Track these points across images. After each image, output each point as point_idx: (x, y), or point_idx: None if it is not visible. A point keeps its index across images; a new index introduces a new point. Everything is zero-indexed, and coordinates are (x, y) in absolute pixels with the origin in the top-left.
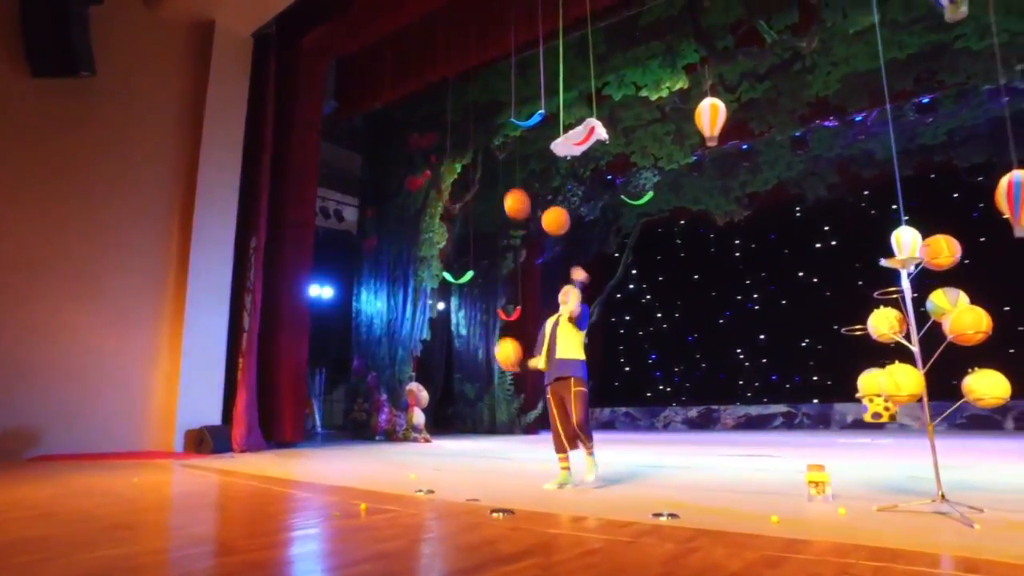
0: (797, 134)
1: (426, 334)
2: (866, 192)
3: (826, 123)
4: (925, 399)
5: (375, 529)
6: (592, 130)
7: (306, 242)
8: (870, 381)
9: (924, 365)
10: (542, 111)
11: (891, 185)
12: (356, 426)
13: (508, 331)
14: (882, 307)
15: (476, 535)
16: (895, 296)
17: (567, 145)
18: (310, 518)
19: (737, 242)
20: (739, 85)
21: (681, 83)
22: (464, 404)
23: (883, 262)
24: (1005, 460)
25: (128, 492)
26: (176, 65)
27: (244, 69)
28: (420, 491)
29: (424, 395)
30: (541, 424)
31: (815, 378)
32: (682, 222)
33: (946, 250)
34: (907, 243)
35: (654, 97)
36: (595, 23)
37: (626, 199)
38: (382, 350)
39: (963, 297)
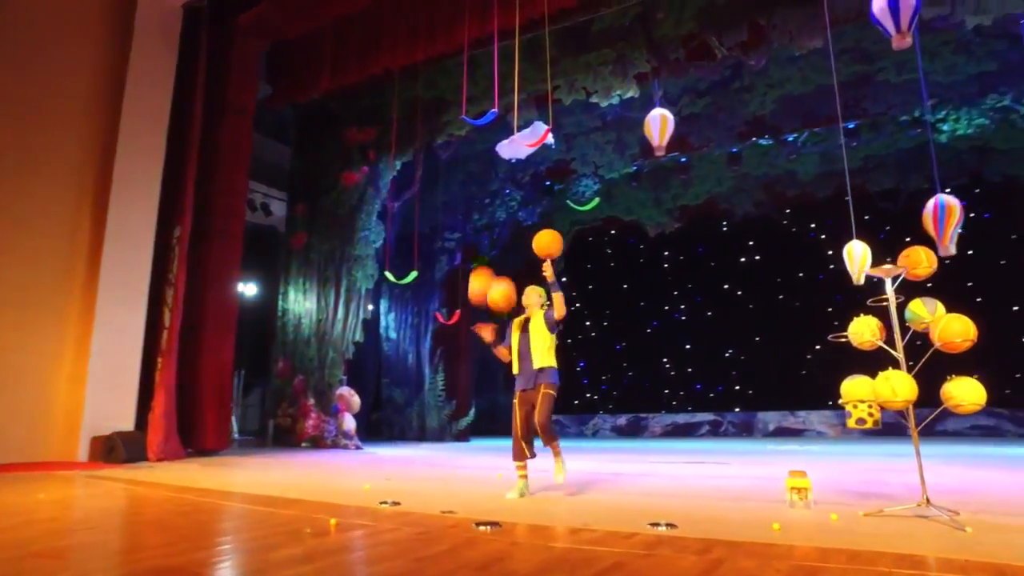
0: (734, 150)
1: (360, 336)
2: (788, 211)
3: (761, 141)
4: (911, 406)
5: (360, 549)
6: (547, 133)
7: (235, 233)
8: (855, 387)
9: (910, 371)
10: (495, 110)
11: (811, 205)
12: (280, 432)
13: (443, 333)
14: (863, 315)
15: (479, 552)
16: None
17: (513, 147)
18: (277, 536)
19: (666, 253)
20: (680, 99)
21: (632, 91)
22: (392, 410)
23: (869, 271)
24: (933, 464)
25: (42, 511)
26: (93, 32)
27: (172, 42)
28: (384, 503)
29: (356, 400)
30: (473, 431)
31: (737, 387)
32: (613, 232)
33: (924, 260)
34: (858, 255)
35: (604, 104)
36: (547, 26)
37: (572, 204)
38: (311, 352)
39: (940, 307)
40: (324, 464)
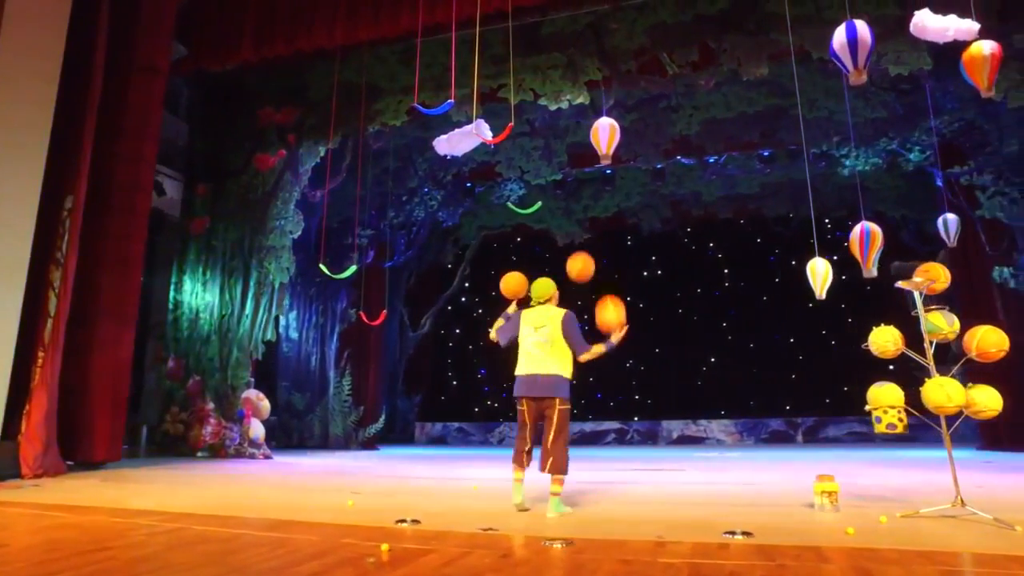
0: (659, 165)
1: (271, 334)
2: (688, 229)
3: (684, 160)
4: (943, 413)
5: None
6: (510, 128)
7: (140, 210)
8: (884, 393)
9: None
10: (451, 101)
11: (712, 225)
12: (167, 440)
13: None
14: (882, 325)
15: (593, 571)
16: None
17: (452, 143)
18: (342, 570)
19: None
20: (609, 112)
21: (583, 99)
22: (290, 415)
23: (899, 284)
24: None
25: None
26: None
27: None
28: (402, 521)
29: (265, 405)
30: (383, 439)
31: (636, 397)
32: (519, 239)
33: (943, 276)
34: (820, 272)
35: (553, 107)
36: (495, 23)
37: (514, 208)
38: (210, 351)
39: (956, 320)
40: (250, 477)
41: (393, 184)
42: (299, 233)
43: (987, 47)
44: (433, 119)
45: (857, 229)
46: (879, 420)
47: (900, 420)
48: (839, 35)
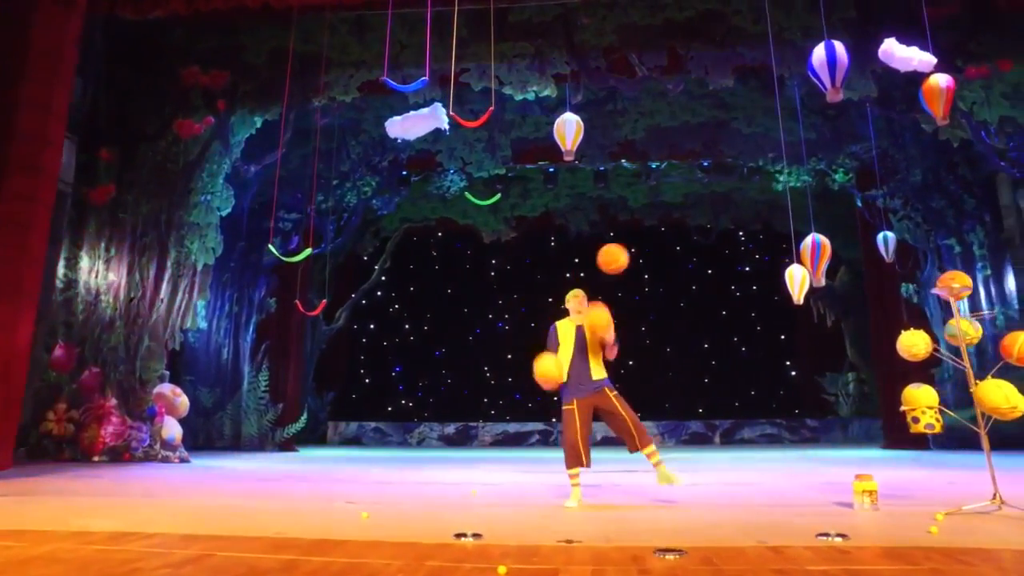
0: (601, 168)
1: (192, 323)
2: (612, 233)
3: (627, 164)
4: (979, 412)
5: None
6: (489, 113)
7: (49, 169)
8: (921, 395)
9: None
10: (425, 79)
11: (637, 231)
12: (49, 443)
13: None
14: (912, 329)
15: None
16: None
17: (406, 126)
18: None
19: (494, 262)
20: (555, 109)
21: (550, 91)
22: (195, 414)
23: (935, 291)
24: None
25: None
26: None
27: None
28: (462, 535)
29: (183, 401)
30: (303, 439)
31: (555, 398)
32: (440, 234)
33: (967, 282)
34: (798, 278)
35: (519, 97)
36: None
37: (472, 198)
38: (113, 338)
39: (980, 326)
40: (193, 484)
41: (323, 166)
42: (228, 210)
43: (943, 80)
44: (369, 101)
45: (808, 240)
46: (917, 420)
47: (937, 420)
48: (819, 53)
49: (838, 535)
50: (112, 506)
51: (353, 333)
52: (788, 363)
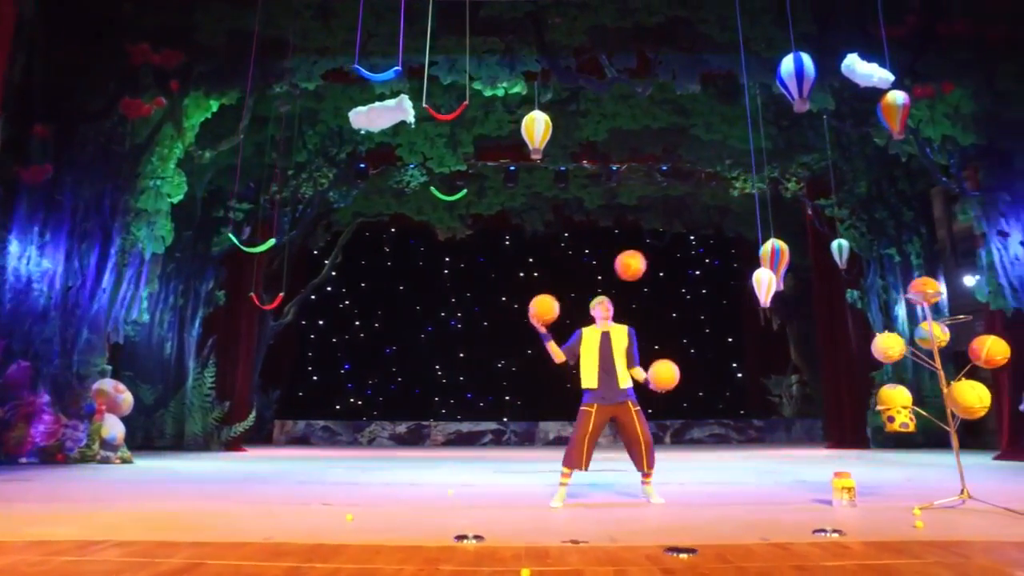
0: (562, 168)
1: (138, 314)
2: (566, 234)
3: (586, 165)
4: (948, 411)
5: None
6: (463, 107)
7: None
8: (896, 395)
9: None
10: (398, 68)
11: (591, 233)
12: None
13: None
14: (886, 332)
15: None
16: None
17: (371, 117)
18: None
19: (448, 259)
20: (518, 108)
21: (519, 88)
22: (135, 411)
23: (908, 296)
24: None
25: None
26: None
27: None
28: (463, 537)
29: (126, 398)
30: (247, 438)
31: (507, 397)
32: (393, 230)
33: (934, 287)
34: (765, 282)
35: (488, 93)
36: None
37: (438, 193)
38: (48, 329)
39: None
40: (144, 487)
41: (278, 156)
42: (180, 197)
43: (900, 98)
44: (329, 90)
45: (768, 246)
46: (892, 420)
47: (911, 419)
48: (787, 65)
49: (834, 531)
50: (64, 512)
51: (301, 329)
52: (735, 365)
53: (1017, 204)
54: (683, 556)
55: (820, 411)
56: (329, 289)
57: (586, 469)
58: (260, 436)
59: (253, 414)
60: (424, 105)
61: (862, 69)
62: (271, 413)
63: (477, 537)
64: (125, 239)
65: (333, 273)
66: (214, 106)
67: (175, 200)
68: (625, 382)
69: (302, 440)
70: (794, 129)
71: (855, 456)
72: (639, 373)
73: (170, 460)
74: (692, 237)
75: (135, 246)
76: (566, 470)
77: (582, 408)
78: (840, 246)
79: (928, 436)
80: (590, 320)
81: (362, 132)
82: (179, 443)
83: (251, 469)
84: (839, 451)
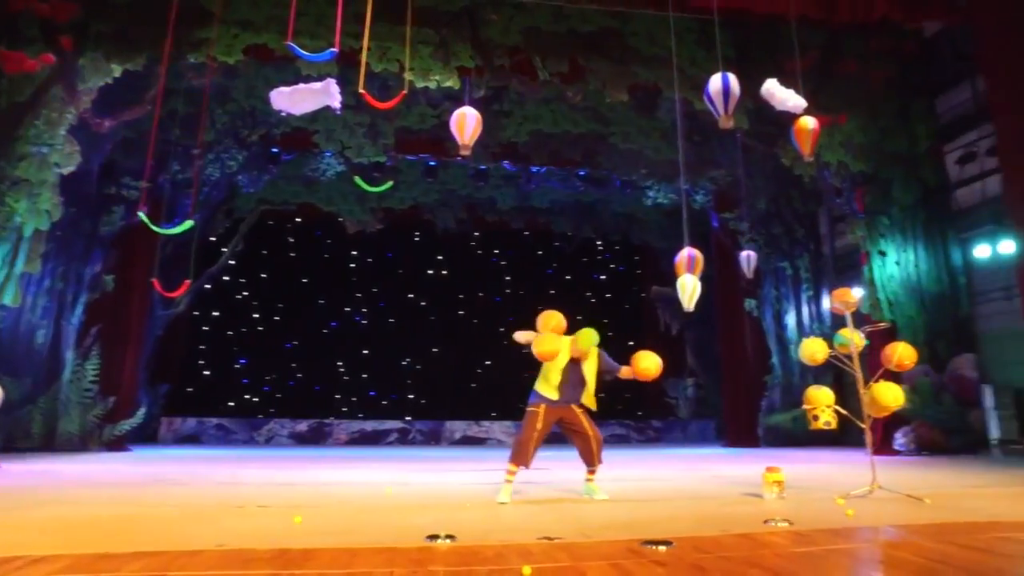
0: (483, 167)
1: (11, 298)
2: (476, 233)
3: (505, 164)
4: (865, 411)
5: None
6: (402, 96)
7: None
8: (821, 395)
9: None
10: (334, 49)
11: (503, 234)
12: None
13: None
14: (811, 336)
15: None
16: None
17: (294, 99)
18: None
19: (355, 253)
20: (440, 104)
21: (453, 82)
22: None
23: (830, 306)
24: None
25: None
26: None
27: None
28: (434, 537)
29: None
30: (133, 436)
31: (411, 396)
32: (299, 219)
33: (852, 298)
34: (689, 286)
35: (420, 84)
36: None
37: (362, 184)
38: None
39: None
40: (30, 492)
41: (181, 134)
42: (72, 168)
43: (811, 123)
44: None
45: (684, 253)
46: (816, 418)
47: (833, 418)
48: (715, 83)
49: (783, 521)
50: None
51: (194, 320)
52: None
53: (894, 228)
54: (661, 548)
55: (714, 412)
56: (227, 279)
57: (528, 467)
58: (144, 434)
59: (142, 410)
60: (361, 91)
61: (780, 94)
62: (157, 409)
63: (449, 536)
64: (1, 211)
65: (232, 262)
66: (116, 71)
67: (65, 171)
68: (579, 390)
69: (192, 438)
70: (705, 145)
71: (752, 454)
72: (626, 371)
73: (42, 462)
74: (600, 243)
75: (11, 220)
76: (513, 467)
77: (530, 409)
78: (749, 257)
79: (811, 435)
80: (495, 319)
81: (282, 115)
82: (49, 443)
83: (150, 471)
84: (737, 449)
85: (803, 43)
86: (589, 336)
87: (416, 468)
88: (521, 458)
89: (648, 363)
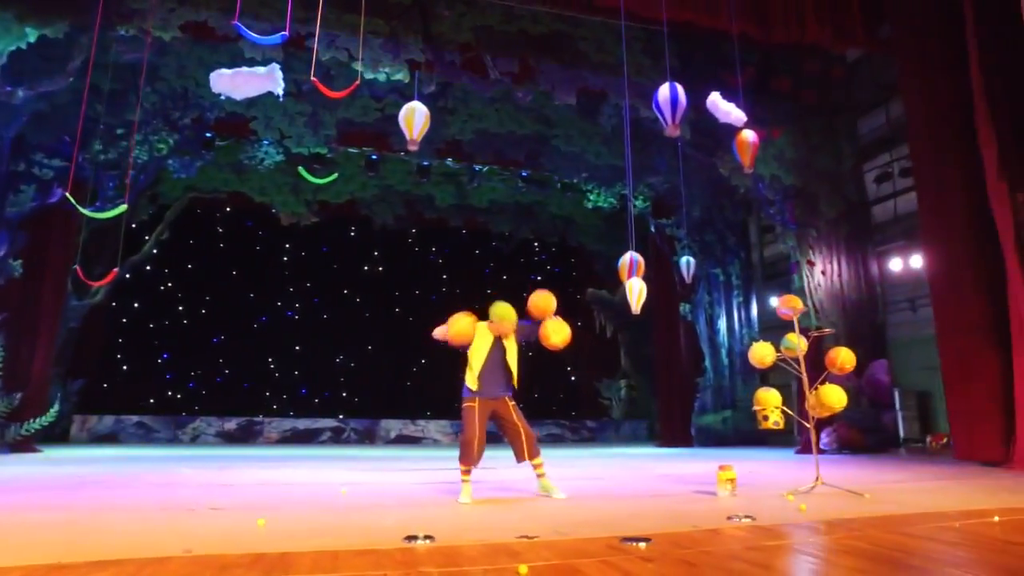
0: (425, 163)
1: None
2: (414, 231)
3: (448, 162)
4: (811, 412)
5: None
6: (356, 85)
7: None
8: (770, 396)
9: (809, 388)
10: (285, 33)
11: (440, 231)
12: None
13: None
14: (760, 340)
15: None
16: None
17: (236, 82)
18: None
19: (288, 246)
20: (385, 97)
21: (402, 75)
22: None
23: (779, 311)
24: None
25: None
26: None
27: None
28: (413, 538)
29: None
30: (42, 436)
31: (345, 394)
32: (229, 209)
33: (799, 304)
34: (636, 290)
35: (369, 76)
36: None
37: (306, 175)
38: None
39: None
40: None
41: (106, 110)
42: None
43: (751, 136)
44: (175, 46)
45: (627, 257)
46: (766, 418)
47: (781, 418)
48: (663, 92)
49: (746, 516)
50: None
51: (112, 312)
52: (569, 368)
53: (821, 240)
54: (642, 545)
55: (645, 413)
56: (149, 268)
57: (477, 464)
58: (54, 433)
59: (55, 408)
60: (312, 79)
61: (723, 106)
62: (70, 407)
63: (428, 537)
64: None
65: (155, 251)
66: (31, 35)
67: None
68: (508, 382)
69: (109, 438)
70: (644, 152)
71: (686, 454)
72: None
73: None
74: (537, 244)
75: None
76: (464, 467)
77: (465, 405)
78: (688, 263)
79: (740, 435)
80: (428, 317)
81: (220, 98)
82: None
83: (73, 473)
84: (670, 449)
85: (742, 59)
86: (506, 308)
87: (359, 468)
88: (469, 457)
89: (542, 302)
